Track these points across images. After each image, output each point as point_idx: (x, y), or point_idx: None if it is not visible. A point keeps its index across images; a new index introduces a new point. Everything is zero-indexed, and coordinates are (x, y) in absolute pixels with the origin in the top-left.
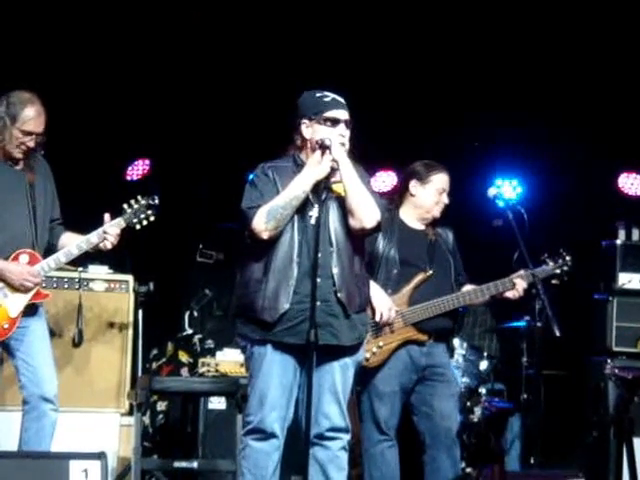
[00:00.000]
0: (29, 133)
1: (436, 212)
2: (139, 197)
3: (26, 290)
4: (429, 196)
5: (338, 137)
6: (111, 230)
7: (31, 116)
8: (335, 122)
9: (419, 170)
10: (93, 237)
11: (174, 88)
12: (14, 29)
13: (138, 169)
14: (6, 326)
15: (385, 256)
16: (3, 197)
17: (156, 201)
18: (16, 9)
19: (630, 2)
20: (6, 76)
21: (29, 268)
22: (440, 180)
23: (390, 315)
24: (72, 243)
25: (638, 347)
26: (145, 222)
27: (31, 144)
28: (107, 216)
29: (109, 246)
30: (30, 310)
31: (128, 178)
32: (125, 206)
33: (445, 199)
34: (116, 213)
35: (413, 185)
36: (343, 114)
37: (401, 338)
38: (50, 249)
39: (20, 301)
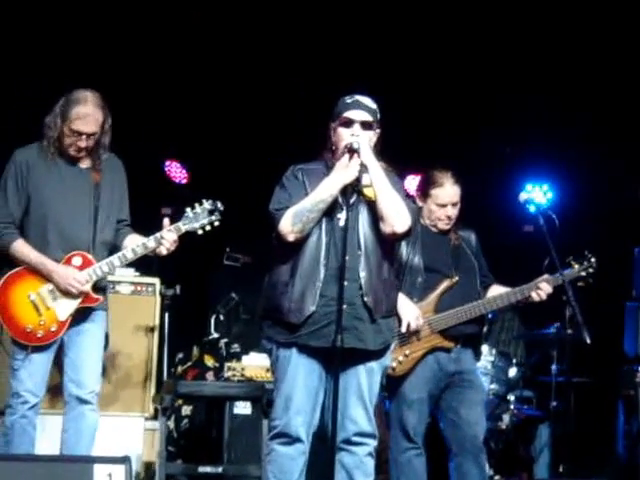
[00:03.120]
0: (78, 133)
1: (441, 225)
2: (203, 201)
3: (71, 295)
4: (430, 210)
5: (351, 138)
6: (168, 235)
7: (79, 115)
8: (349, 123)
9: (423, 182)
10: (150, 242)
11: (205, 89)
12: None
13: (175, 172)
14: (54, 329)
15: (409, 264)
16: (61, 196)
17: (220, 206)
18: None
19: None
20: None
21: (76, 273)
22: (441, 194)
23: (417, 324)
24: (128, 247)
25: None
26: (208, 227)
27: (82, 144)
28: (166, 220)
29: (164, 252)
30: (84, 313)
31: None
32: (188, 210)
33: (450, 212)
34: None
35: (418, 197)
36: (359, 114)
37: (428, 346)
38: (114, 250)
39: (70, 305)
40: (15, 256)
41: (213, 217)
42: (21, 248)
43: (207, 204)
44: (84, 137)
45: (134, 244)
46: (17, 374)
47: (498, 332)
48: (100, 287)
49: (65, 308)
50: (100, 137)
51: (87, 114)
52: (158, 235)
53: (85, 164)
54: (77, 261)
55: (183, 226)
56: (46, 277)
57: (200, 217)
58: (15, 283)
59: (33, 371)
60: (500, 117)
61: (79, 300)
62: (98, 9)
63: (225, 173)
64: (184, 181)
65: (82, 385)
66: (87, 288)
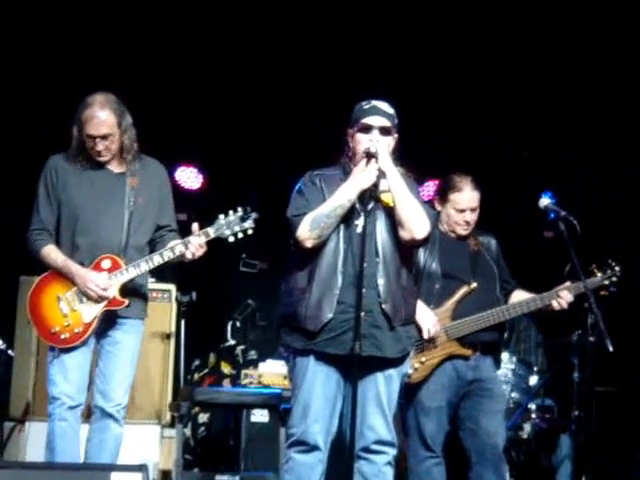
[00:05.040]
0: (91, 136)
1: (460, 230)
2: (238, 208)
3: (91, 298)
4: (449, 215)
5: (369, 143)
6: (194, 240)
7: (87, 119)
8: (367, 129)
9: (442, 187)
10: (178, 245)
11: (221, 95)
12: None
13: (188, 177)
14: (78, 330)
15: (427, 270)
16: (90, 201)
17: (253, 214)
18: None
19: None
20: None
21: (97, 277)
22: (460, 199)
23: (435, 330)
24: (157, 251)
25: None
26: (241, 235)
27: (99, 147)
28: (195, 225)
29: (189, 256)
30: (117, 322)
31: (183, 185)
32: (221, 216)
33: (468, 217)
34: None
35: (436, 202)
36: (377, 120)
37: (444, 353)
38: None
39: (96, 307)
40: (45, 261)
41: (246, 224)
42: (49, 253)
43: (240, 211)
44: (98, 140)
45: (163, 249)
46: (51, 378)
47: (515, 342)
48: (133, 291)
49: (91, 310)
50: (121, 138)
51: (95, 117)
52: (186, 240)
53: (118, 169)
54: (106, 264)
55: (213, 232)
56: (71, 280)
57: (232, 224)
58: (47, 285)
59: (66, 374)
60: (519, 121)
61: (104, 303)
62: (112, 13)
63: (241, 178)
64: (199, 186)
65: (108, 398)
66: (109, 293)
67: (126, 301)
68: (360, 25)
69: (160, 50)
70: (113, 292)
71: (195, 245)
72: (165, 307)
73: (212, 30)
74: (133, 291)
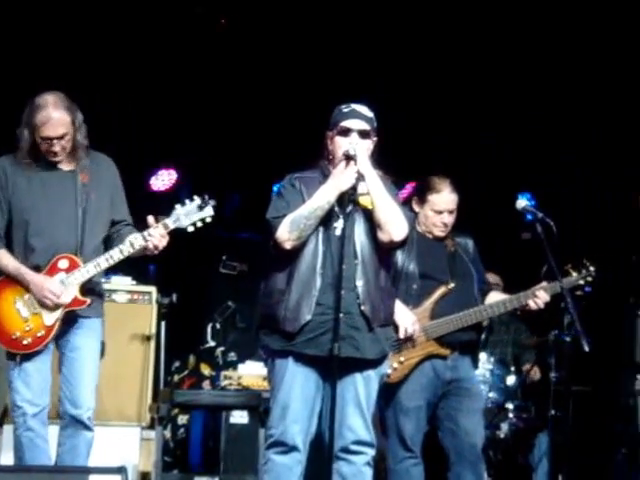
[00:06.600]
0: (47, 138)
1: (437, 232)
2: (195, 197)
3: (47, 307)
4: (426, 216)
5: (348, 146)
6: (155, 232)
7: (43, 121)
8: (346, 132)
9: (420, 188)
10: (137, 240)
11: (203, 98)
12: (49, 33)
13: (164, 179)
14: (40, 334)
15: (405, 271)
16: (42, 202)
17: (211, 202)
18: (49, 15)
19: None
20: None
21: (51, 285)
22: (438, 201)
23: (414, 330)
24: (116, 247)
25: None
26: (200, 224)
27: (55, 148)
28: (150, 218)
29: (151, 246)
30: (77, 323)
31: (153, 189)
32: (178, 206)
33: (446, 219)
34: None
35: (414, 202)
36: (357, 124)
37: (423, 353)
38: None
39: (57, 309)
40: None
41: (204, 213)
42: (0, 259)
43: (197, 200)
44: (55, 141)
45: (122, 244)
46: (13, 386)
47: (505, 343)
48: (91, 290)
49: (52, 312)
50: (74, 136)
51: (50, 118)
52: (145, 233)
53: (68, 166)
54: (63, 264)
55: (171, 223)
56: (26, 288)
57: (190, 213)
58: (2, 291)
59: (27, 380)
60: (498, 124)
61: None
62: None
63: (222, 182)
64: (174, 189)
65: (78, 405)
66: (65, 299)
67: (88, 300)
68: (338, 28)
69: (136, 56)
70: (72, 294)
71: (157, 237)
72: (145, 309)
73: (188, 34)
74: (91, 290)
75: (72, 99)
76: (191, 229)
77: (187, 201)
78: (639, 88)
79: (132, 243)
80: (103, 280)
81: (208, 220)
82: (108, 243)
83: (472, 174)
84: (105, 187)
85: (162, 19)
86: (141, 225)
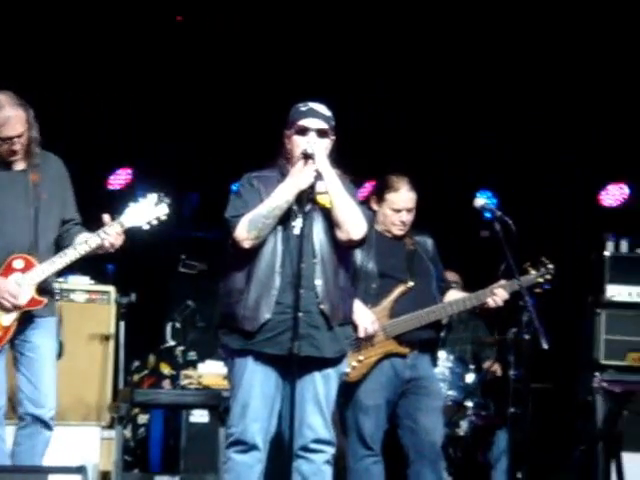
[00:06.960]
0: (7, 138)
1: (395, 230)
2: (149, 195)
3: (4, 308)
4: (385, 215)
5: (306, 145)
6: (110, 230)
7: (1, 123)
8: (304, 131)
9: (378, 187)
10: (92, 238)
11: (162, 96)
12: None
13: (120, 178)
14: None
15: (364, 270)
16: None
17: (166, 200)
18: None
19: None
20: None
21: (7, 286)
22: (396, 199)
23: (373, 329)
24: (71, 245)
25: (627, 360)
26: (155, 222)
27: (16, 147)
28: (106, 216)
29: (107, 245)
30: (32, 324)
31: (110, 187)
32: (132, 204)
33: (404, 217)
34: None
35: (373, 201)
36: (314, 123)
37: (381, 352)
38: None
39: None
40: None
41: (159, 211)
42: None
43: (152, 197)
44: (15, 140)
45: (76, 243)
46: None
47: (464, 341)
48: (46, 290)
49: (9, 313)
50: (29, 133)
51: (10, 117)
52: (100, 231)
53: (20, 166)
54: (19, 264)
55: (126, 221)
56: None
57: (145, 211)
58: None
59: None
60: (455, 122)
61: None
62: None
63: (182, 181)
64: (130, 187)
65: (40, 405)
66: (23, 300)
67: (45, 300)
68: (303, 24)
69: (93, 54)
70: (29, 294)
71: (113, 235)
72: (104, 309)
73: (147, 32)
74: (45, 289)
75: (29, 99)
76: (146, 227)
77: (142, 199)
78: (599, 83)
79: (87, 242)
80: (61, 280)
81: (163, 218)
82: (59, 242)
83: (430, 172)
84: (55, 186)
85: (119, 16)
86: (97, 224)
